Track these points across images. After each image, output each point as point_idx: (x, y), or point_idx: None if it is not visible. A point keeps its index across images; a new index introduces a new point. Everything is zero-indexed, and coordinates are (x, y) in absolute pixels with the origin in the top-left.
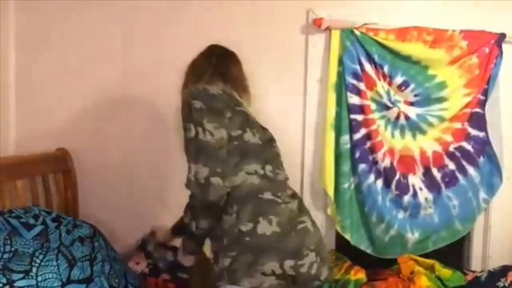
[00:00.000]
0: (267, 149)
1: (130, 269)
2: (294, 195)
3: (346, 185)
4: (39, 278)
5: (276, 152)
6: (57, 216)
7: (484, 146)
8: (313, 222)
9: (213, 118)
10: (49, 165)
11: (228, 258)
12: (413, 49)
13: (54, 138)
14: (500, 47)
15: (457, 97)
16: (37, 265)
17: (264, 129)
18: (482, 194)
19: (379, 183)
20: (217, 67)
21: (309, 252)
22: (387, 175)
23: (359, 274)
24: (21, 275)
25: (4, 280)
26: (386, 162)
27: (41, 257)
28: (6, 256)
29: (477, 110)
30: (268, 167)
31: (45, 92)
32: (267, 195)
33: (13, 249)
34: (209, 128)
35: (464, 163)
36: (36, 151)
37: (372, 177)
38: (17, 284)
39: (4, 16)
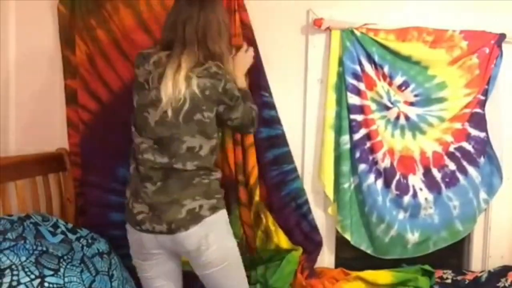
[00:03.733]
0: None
1: None
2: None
3: (346, 185)
4: (66, 279)
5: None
6: (73, 228)
7: (485, 146)
8: (163, 191)
9: None
10: (49, 165)
11: None
12: (413, 49)
13: (54, 138)
14: (500, 47)
15: (457, 97)
16: (64, 266)
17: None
18: (482, 195)
19: (379, 183)
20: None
21: (142, 204)
22: (387, 175)
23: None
24: (51, 272)
25: (37, 273)
26: (386, 162)
27: (68, 260)
28: (37, 252)
29: (478, 110)
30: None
31: (45, 92)
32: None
33: (44, 248)
34: None
35: (465, 163)
36: (36, 151)
37: (372, 177)
38: (47, 279)
39: (5, 16)
